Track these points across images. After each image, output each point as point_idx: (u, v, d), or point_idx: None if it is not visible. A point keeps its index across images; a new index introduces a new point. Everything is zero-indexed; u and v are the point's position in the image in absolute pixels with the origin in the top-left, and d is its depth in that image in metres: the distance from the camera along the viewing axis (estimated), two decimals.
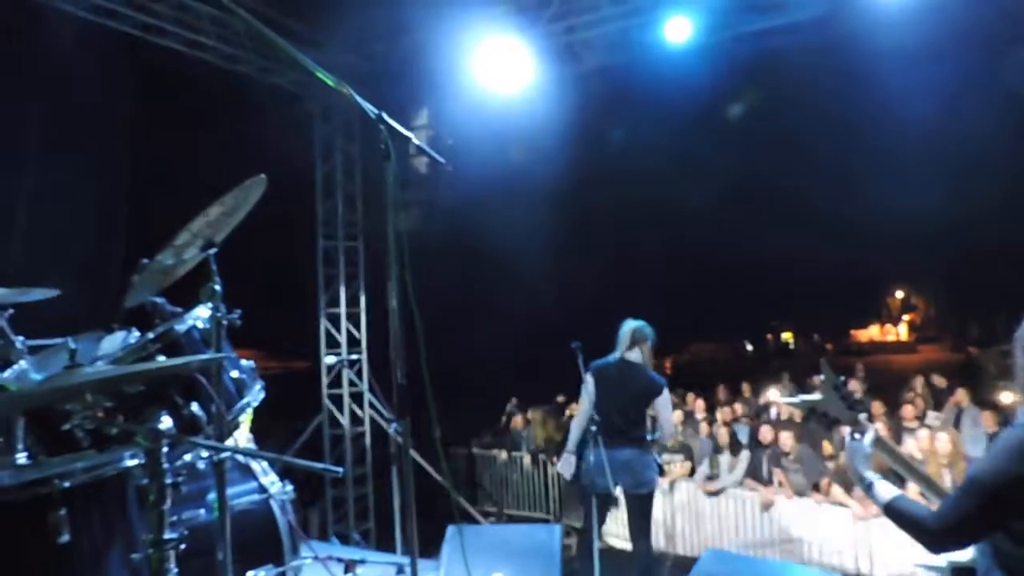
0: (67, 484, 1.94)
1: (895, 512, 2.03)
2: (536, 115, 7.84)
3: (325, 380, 8.42)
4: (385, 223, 2.47)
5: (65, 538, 1.89)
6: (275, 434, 7.96)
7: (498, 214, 10.65)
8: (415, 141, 2.58)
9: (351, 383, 8.39)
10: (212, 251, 2.50)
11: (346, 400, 8.44)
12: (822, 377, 2.32)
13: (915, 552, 2.40)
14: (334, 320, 8.60)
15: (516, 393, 10.26)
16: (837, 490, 7.16)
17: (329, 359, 6.87)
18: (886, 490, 2.09)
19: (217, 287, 2.45)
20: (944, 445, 7.00)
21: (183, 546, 1.85)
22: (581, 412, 5.11)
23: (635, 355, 4.93)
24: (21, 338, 2.82)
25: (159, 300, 2.84)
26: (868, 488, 2.14)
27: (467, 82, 7.39)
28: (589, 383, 4.89)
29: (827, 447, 7.44)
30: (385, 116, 2.62)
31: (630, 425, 4.78)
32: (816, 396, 2.34)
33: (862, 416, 2.33)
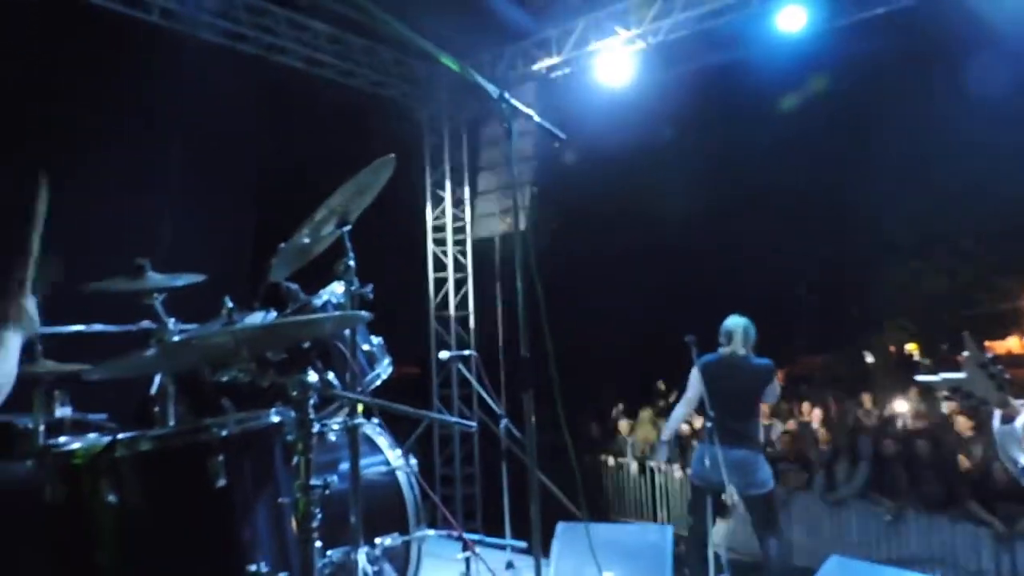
0: (224, 433, 2.09)
1: None
2: (640, 111, 7.81)
3: (436, 380, 8.65)
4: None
5: (221, 482, 2.04)
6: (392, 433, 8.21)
7: (606, 210, 10.61)
8: (536, 118, 2.64)
9: (461, 382, 8.58)
10: (346, 228, 2.64)
11: (455, 400, 8.64)
12: (966, 354, 2.14)
13: None
14: (444, 323, 8.84)
15: (623, 394, 10.16)
16: (975, 506, 6.67)
17: (443, 354, 7.07)
18: None
19: (351, 263, 2.59)
20: None
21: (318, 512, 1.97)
22: (683, 402, 5.05)
23: (742, 351, 4.83)
24: (173, 319, 3.08)
25: (293, 286, 3.01)
26: (1022, 472, 2.00)
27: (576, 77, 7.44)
28: (695, 377, 4.83)
29: (963, 460, 6.95)
30: (506, 94, 2.69)
31: (742, 424, 4.66)
32: (960, 375, 2.16)
33: (1015, 401, 2.15)
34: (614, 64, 7.25)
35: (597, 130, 7.62)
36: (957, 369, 2.19)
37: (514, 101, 2.74)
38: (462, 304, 8.95)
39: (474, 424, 2.25)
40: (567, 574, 4.96)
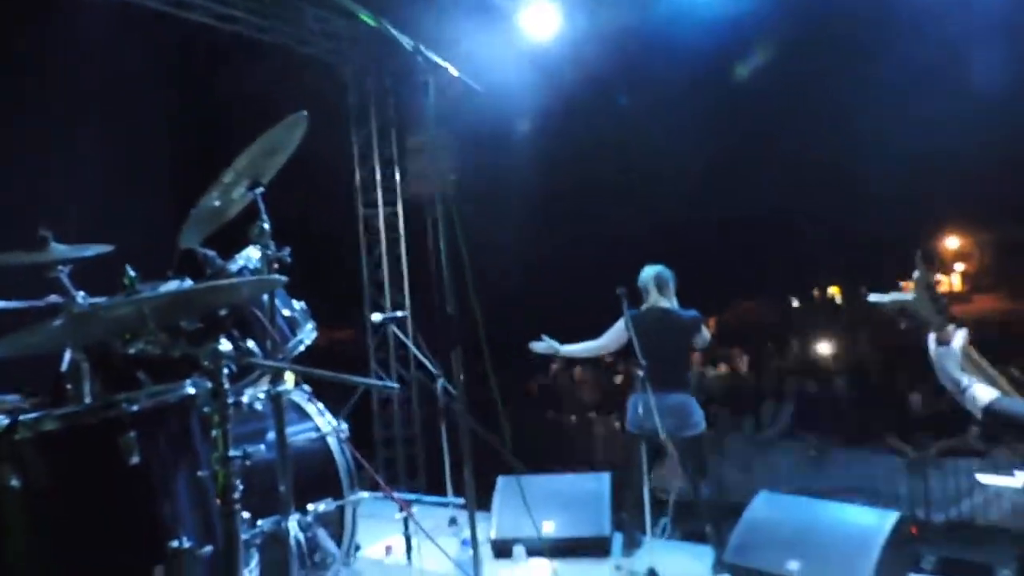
0: (135, 408, 2.01)
1: (997, 413, 1.93)
2: (565, 65, 7.73)
3: (372, 343, 8.57)
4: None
5: (135, 459, 1.97)
6: (328, 400, 8.13)
7: (529, 160, 10.53)
8: (452, 72, 2.58)
9: (398, 344, 8.53)
10: (259, 191, 2.54)
11: (392, 362, 8.59)
12: (916, 274, 2.17)
13: (985, 474, 2.33)
14: (378, 285, 8.73)
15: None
16: (891, 437, 7.08)
17: (375, 316, 6.97)
18: (984, 392, 1.98)
19: (266, 226, 2.50)
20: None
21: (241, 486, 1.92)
22: (594, 342, 5.16)
23: (664, 301, 4.93)
24: (82, 293, 2.94)
25: (210, 253, 2.90)
26: (964, 391, 2.03)
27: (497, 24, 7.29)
28: (618, 327, 4.93)
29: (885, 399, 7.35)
30: (422, 47, 2.62)
31: (673, 371, 4.76)
32: (908, 295, 2.18)
33: (951, 327, 2.20)
34: (540, 15, 7.15)
35: (522, 83, 7.51)
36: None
37: (430, 54, 2.68)
38: (396, 265, 8.84)
39: (395, 385, 2.25)
40: (509, 526, 5.07)
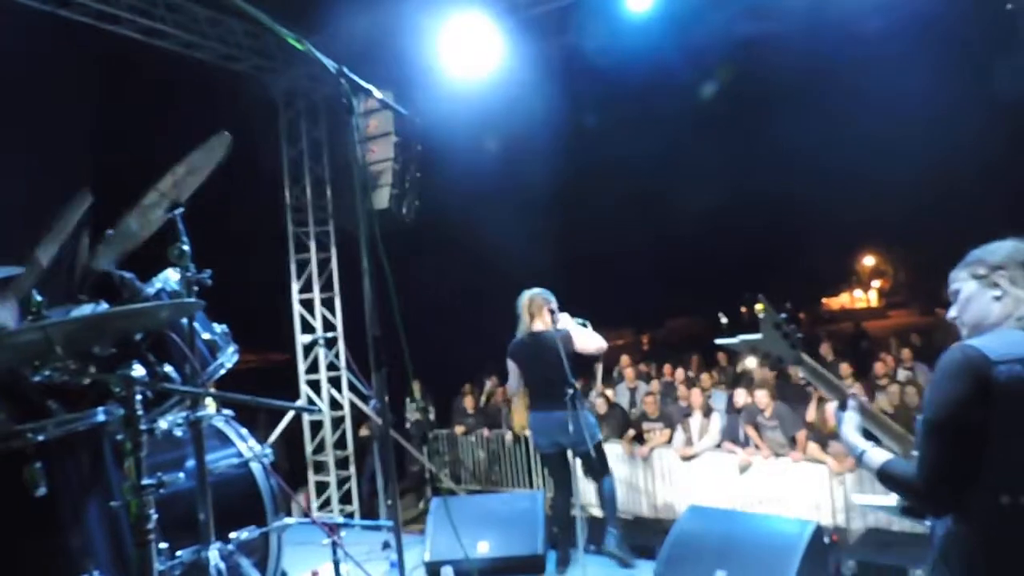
0: (41, 438, 1.94)
1: (887, 477, 1.96)
2: (507, 97, 7.84)
3: (302, 366, 8.40)
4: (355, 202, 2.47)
5: (42, 491, 1.89)
6: (259, 425, 7.93)
7: (470, 196, 10.67)
8: (377, 95, 2.60)
9: (329, 366, 8.38)
10: (178, 211, 2.50)
11: (324, 384, 8.43)
12: (761, 315, 2.21)
13: (862, 495, 2.42)
14: (308, 306, 8.58)
15: (494, 371, 10.32)
16: (813, 447, 7.33)
17: (305, 338, 6.83)
18: (879, 456, 2.02)
19: (185, 247, 2.45)
20: (912, 399, 7.23)
21: (155, 514, 1.86)
22: (512, 386, 5.33)
23: (539, 325, 5.02)
24: None
25: (127, 275, 2.82)
26: (860, 457, 2.07)
27: (435, 65, 7.36)
28: (511, 365, 5.08)
29: (811, 412, 7.60)
30: (345, 70, 2.63)
31: (556, 388, 4.79)
32: (757, 336, 2.22)
33: (849, 389, 2.23)
34: (476, 42, 7.21)
35: (457, 108, 7.57)
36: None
37: (354, 77, 2.69)
38: (328, 286, 8.71)
39: (316, 408, 2.22)
40: (442, 548, 5.03)
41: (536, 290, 5.12)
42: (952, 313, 2.04)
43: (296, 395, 8.37)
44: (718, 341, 2.26)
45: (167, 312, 2.25)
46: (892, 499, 2.13)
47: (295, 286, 8.57)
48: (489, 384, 10.57)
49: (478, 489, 9.27)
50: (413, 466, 9.08)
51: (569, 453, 4.91)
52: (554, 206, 13.01)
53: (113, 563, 2.03)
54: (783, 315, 2.18)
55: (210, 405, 2.98)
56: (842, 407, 2.20)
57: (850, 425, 2.13)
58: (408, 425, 9.55)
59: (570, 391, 4.61)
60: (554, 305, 5.05)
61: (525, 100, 8.44)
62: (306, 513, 3.36)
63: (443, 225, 11.14)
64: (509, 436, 9.33)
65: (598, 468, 5.11)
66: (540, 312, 5.03)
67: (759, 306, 2.19)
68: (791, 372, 8.46)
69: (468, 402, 10.08)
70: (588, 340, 5.00)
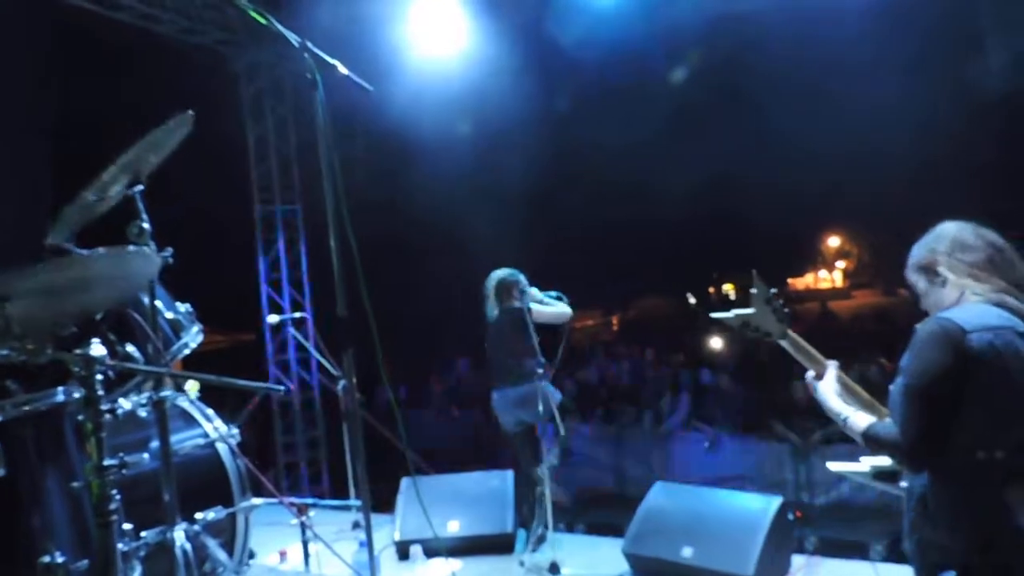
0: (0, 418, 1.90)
1: (871, 438, 2.08)
2: (477, 77, 7.77)
3: (271, 346, 8.32)
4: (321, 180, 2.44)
5: (0, 471, 1.85)
6: (227, 406, 7.83)
7: (439, 177, 10.58)
8: (341, 70, 2.55)
9: (298, 346, 8.32)
10: (138, 188, 2.44)
11: (293, 364, 8.37)
12: (753, 290, 2.32)
13: (836, 462, 2.52)
14: (276, 286, 8.48)
15: (468, 346, 10.32)
16: (777, 425, 7.49)
17: (272, 318, 6.75)
18: (861, 420, 2.14)
19: (145, 225, 2.40)
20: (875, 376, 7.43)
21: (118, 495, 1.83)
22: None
23: (512, 305, 4.98)
24: None
25: (84, 252, 2.75)
26: (844, 422, 2.20)
27: (403, 45, 7.25)
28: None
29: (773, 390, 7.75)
30: (309, 44, 2.58)
31: (517, 362, 4.81)
32: (749, 310, 2.33)
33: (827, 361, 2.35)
34: (435, 17, 7.12)
35: (426, 88, 7.49)
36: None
37: (318, 51, 2.64)
38: (296, 265, 8.62)
39: (281, 388, 2.23)
40: (412, 528, 5.04)
41: (504, 271, 5.10)
42: (921, 305, 2.22)
43: (265, 376, 8.29)
44: (713, 315, 2.34)
45: (125, 268, 2.13)
46: (864, 466, 2.25)
47: (262, 266, 8.46)
48: (460, 364, 10.60)
49: (449, 470, 9.28)
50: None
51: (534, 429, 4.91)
52: (526, 189, 12.97)
53: (75, 544, 2.00)
54: (772, 290, 2.27)
55: (192, 388, 2.93)
56: (818, 378, 2.32)
57: (830, 392, 2.26)
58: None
59: (532, 365, 4.62)
60: (524, 285, 5.04)
61: (495, 81, 8.38)
62: (274, 493, 3.34)
63: (412, 207, 11.06)
64: (480, 415, 9.36)
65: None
66: (508, 293, 5.02)
67: (753, 282, 2.28)
68: (755, 352, 8.63)
69: (437, 383, 10.09)
70: (546, 311, 5.00)
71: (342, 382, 5.69)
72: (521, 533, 5.14)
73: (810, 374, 2.36)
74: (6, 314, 1.79)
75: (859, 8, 7.65)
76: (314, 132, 2.57)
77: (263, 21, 2.57)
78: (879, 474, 2.28)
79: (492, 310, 5.07)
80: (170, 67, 7.73)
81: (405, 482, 5.51)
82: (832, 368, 2.31)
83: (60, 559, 1.94)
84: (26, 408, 1.97)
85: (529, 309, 4.88)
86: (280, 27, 2.59)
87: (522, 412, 4.85)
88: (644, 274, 19.30)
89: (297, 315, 6.31)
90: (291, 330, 6.74)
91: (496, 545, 4.99)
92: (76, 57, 7.26)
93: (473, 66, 7.52)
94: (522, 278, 5.05)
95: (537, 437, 4.94)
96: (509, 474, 5.53)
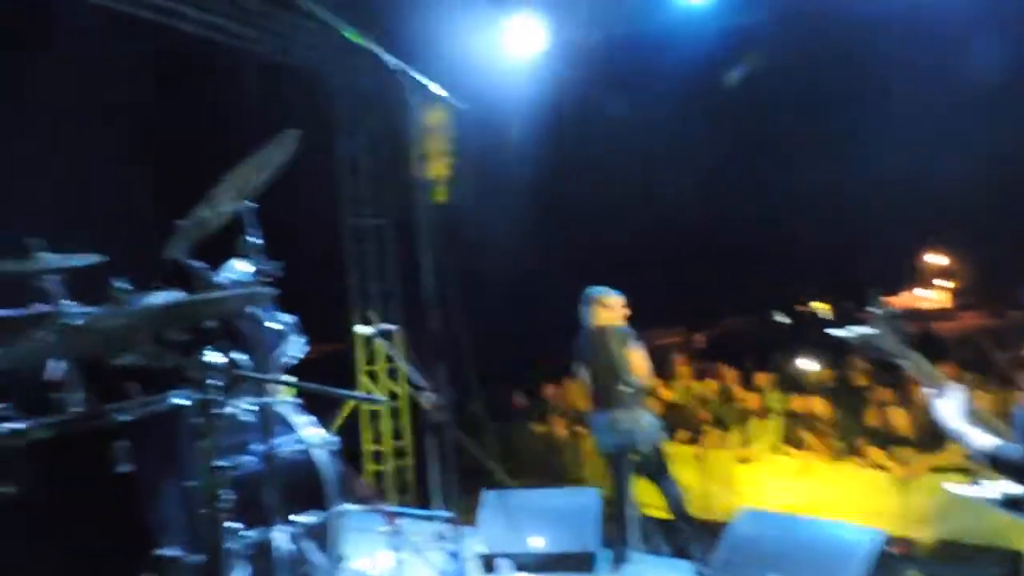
0: (125, 417, 2.04)
1: (1000, 460, 2.04)
2: (551, 83, 7.79)
3: (361, 356, 8.57)
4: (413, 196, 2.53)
5: (125, 468, 2.00)
6: (319, 413, 8.09)
7: (527, 188, 10.65)
8: (437, 91, 2.63)
9: (387, 358, 8.53)
10: (249, 205, 2.58)
11: (382, 375, 8.59)
12: (876, 311, 2.31)
13: (955, 484, 2.41)
14: (367, 298, 8.75)
15: (553, 361, 10.29)
16: (875, 452, 7.12)
17: (362, 329, 6.96)
18: (988, 440, 2.09)
19: (255, 239, 2.53)
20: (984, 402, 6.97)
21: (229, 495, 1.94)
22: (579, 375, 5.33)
23: (603, 320, 5.05)
24: (69, 302, 2.95)
25: (198, 264, 2.93)
26: (967, 442, 2.15)
27: (479, 48, 7.35)
28: (577, 359, 5.08)
29: (869, 416, 7.38)
30: (407, 68, 2.67)
31: (617, 385, 4.82)
32: (871, 330, 2.32)
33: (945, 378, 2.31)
34: (523, 32, 7.21)
35: (510, 98, 7.56)
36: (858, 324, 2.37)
37: (415, 73, 2.73)
38: (386, 278, 8.87)
39: (382, 399, 2.30)
40: (496, 541, 5.06)
41: (605, 288, 5.14)
42: None
43: (353, 385, 8.54)
44: (831, 332, 2.33)
45: (240, 301, 2.32)
46: (991, 491, 2.17)
47: (353, 278, 8.75)
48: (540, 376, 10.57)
49: (531, 484, 9.29)
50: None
51: (630, 453, 4.89)
52: (611, 195, 12.88)
53: (187, 540, 2.12)
54: (895, 311, 2.29)
55: (284, 393, 3.07)
56: (938, 396, 2.27)
57: (951, 411, 2.19)
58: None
59: (631, 390, 4.61)
60: (621, 307, 5.07)
61: (585, 87, 8.33)
62: (368, 500, 3.44)
63: (504, 217, 11.13)
64: (563, 432, 9.32)
65: (658, 469, 5.08)
66: (606, 309, 5.04)
67: (874, 302, 2.30)
68: (850, 376, 8.24)
69: (524, 395, 10.11)
70: (639, 358, 5.03)
71: (430, 393, 5.81)
72: (605, 552, 5.10)
73: (930, 391, 2.29)
74: (136, 323, 1.93)
75: (972, 6, 7.22)
76: (406, 147, 2.66)
77: (361, 43, 2.68)
78: (1010, 501, 2.17)
79: (589, 323, 5.08)
80: (264, 84, 8.07)
81: (488, 496, 5.55)
82: (954, 387, 2.25)
83: (174, 553, 2.06)
84: (148, 409, 2.12)
85: (631, 334, 4.91)
86: (378, 50, 2.70)
87: (623, 435, 4.83)
88: (730, 292, 18.81)
89: (388, 327, 6.47)
90: (382, 342, 6.92)
91: (577, 563, 4.95)
92: (174, 77, 7.70)
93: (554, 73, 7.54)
94: (621, 298, 5.08)
95: (634, 459, 4.94)
96: (594, 492, 5.49)
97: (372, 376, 8.65)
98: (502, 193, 10.47)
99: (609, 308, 5.04)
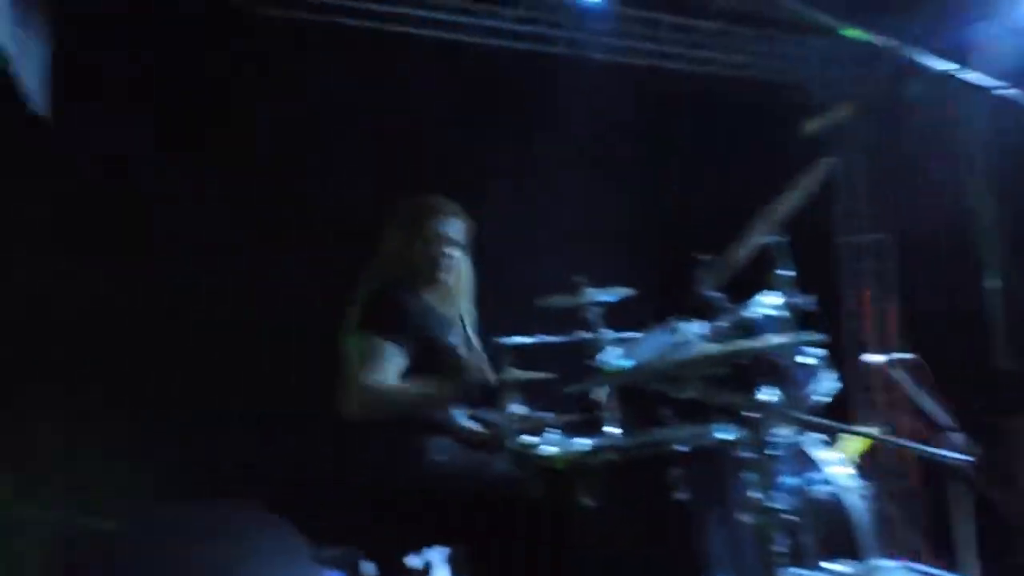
0: (682, 447, 2.18)
1: None
2: None
3: (862, 387, 7.85)
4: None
5: (680, 495, 2.13)
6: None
7: None
8: (964, 77, 2.16)
9: (886, 388, 7.66)
10: (778, 238, 2.55)
11: (880, 410, 7.74)
12: None
13: None
14: (862, 322, 8.05)
15: None
16: None
17: (873, 357, 6.31)
18: None
19: (789, 272, 2.49)
20: None
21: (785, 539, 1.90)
22: None
23: None
24: (606, 330, 3.35)
25: (717, 295, 3.01)
26: None
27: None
28: None
29: None
30: (952, 72, 2.29)
31: None
32: None
33: None
34: None
35: None
36: None
37: (966, 77, 2.32)
38: (886, 299, 8.02)
39: (969, 459, 1.97)
40: None
41: None
42: None
43: (843, 417, 7.86)
44: None
45: (793, 345, 2.28)
46: None
47: (848, 300, 8.14)
48: None
49: None
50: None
51: None
52: None
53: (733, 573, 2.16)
54: None
55: (848, 445, 2.95)
56: None
57: None
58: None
59: None
60: None
61: None
62: (914, 559, 3.08)
63: None
64: None
65: None
66: None
67: None
68: None
69: None
70: None
71: (955, 435, 4.98)
72: None
73: None
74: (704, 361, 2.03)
75: None
76: (909, 155, 2.28)
77: (878, 44, 2.39)
78: None
79: None
80: (760, 116, 7.88)
81: None
82: None
83: None
84: (701, 441, 2.24)
85: None
86: (914, 52, 2.39)
87: None
88: None
89: (902, 356, 5.70)
90: (899, 372, 6.13)
91: None
92: (673, 115, 7.98)
93: None
94: None
95: None
96: None
97: (869, 405, 7.84)
98: None
99: None
